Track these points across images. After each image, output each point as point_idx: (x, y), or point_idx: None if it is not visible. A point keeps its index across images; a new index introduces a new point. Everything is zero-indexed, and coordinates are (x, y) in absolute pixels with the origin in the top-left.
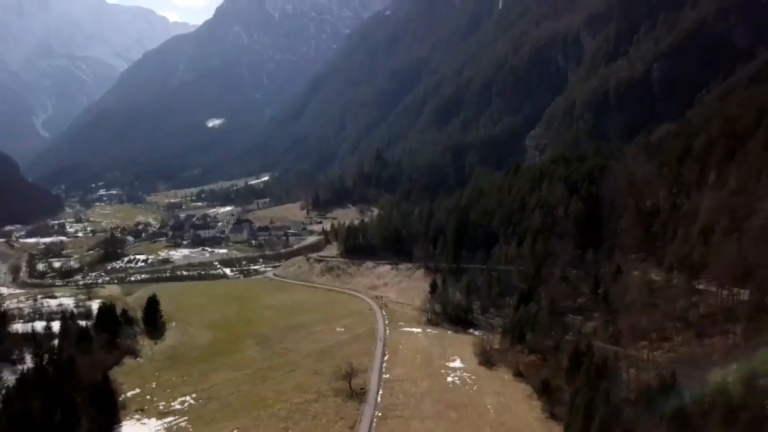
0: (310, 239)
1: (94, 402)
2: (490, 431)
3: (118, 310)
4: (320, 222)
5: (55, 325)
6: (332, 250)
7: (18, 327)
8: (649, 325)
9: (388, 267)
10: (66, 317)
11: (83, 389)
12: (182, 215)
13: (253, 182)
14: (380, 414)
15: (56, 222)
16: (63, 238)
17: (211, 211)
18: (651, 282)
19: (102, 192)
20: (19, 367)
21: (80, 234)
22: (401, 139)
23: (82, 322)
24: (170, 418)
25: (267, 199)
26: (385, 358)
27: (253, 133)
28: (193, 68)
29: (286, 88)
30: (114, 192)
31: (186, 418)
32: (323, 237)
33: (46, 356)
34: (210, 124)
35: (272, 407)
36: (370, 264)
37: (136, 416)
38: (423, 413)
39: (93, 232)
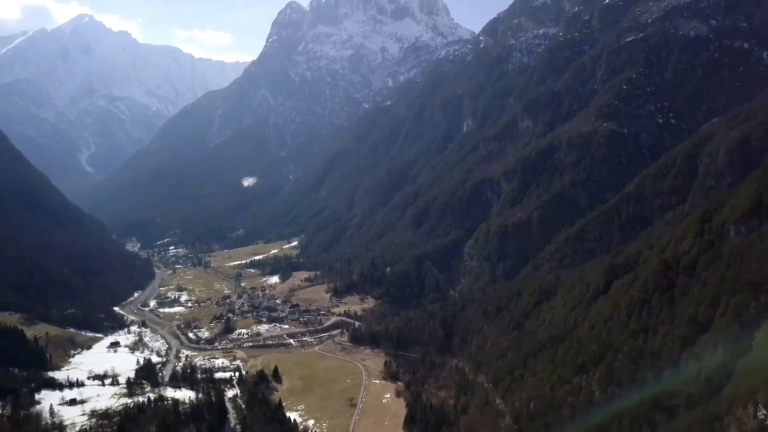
0: (333, 319)
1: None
2: (390, 415)
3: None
4: (338, 306)
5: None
6: (345, 336)
7: (217, 375)
8: (444, 383)
9: (369, 350)
10: (238, 370)
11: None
12: (245, 284)
13: (286, 247)
14: (360, 411)
15: (166, 288)
16: (182, 308)
17: (263, 279)
18: (451, 368)
19: (172, 250)
20: (227, 393)
21: (190, 304)
22: (391, 230)
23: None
24: (299, 412)
25: (303, 277)
26: (364, 392)
27: (283, 195)
28: (227, 126)
29: (306, 147)
30: (181, 250)
31: (304, 412)
32: (341, 320)
33: (243, 389)
34: (245, 183)
35: (328, 410)
36: (362, 348)
37: (288, 412)
38: (374, 411)
39: (197, 302)
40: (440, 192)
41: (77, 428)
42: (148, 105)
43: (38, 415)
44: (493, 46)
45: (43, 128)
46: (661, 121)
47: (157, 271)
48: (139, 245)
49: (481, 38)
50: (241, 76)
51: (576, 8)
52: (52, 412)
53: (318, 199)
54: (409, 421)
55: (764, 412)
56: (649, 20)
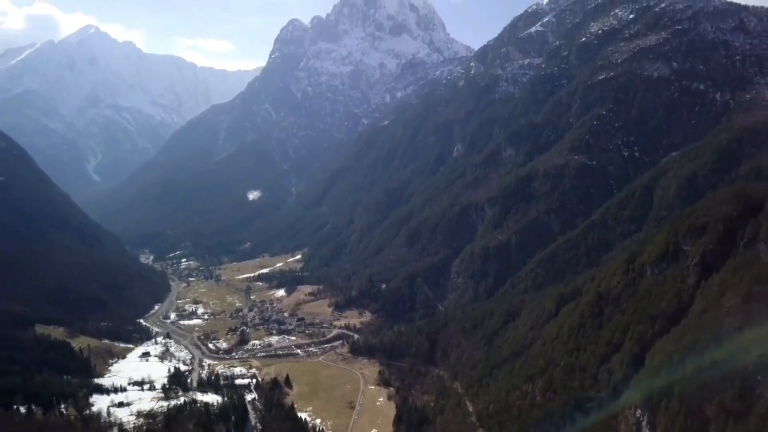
0: (334, 332)
1: (291, 408)
2: (383, 416)
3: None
4: (339, 319)
5: (242, 380)
6: (345, 347)
7: (237, 381)
8: (427, 389)
9: (366, 360)
10: (255, 377)
11: (285, 405)
12: (254, 297)
13: (290, 261)
14: (358, 412)
15: (183, 301)
16: (200, 321)
17: (271, 292)
18: (434, 376)
19: (184, 262)
20: (247, 397)
21: (206, 317)
22: (387, 247)
23: (260, 379)
24: (308, 413)
25: (308, 291)
26: (361, 397)
27: (287, 208)
28: (232, 140)
29: (307, 161)
30: (192, 263)
31: (312, 413)
32: (342, 332)
33: (260, 394)
34: (250, 196)
35: (332, 411)
36: (360, 358)
37: (299, 413)
38: (369, 412)
39: (213, 314)
40: (432, 213)
41: (131, 425)
42: (152, 115)
43: (98, 415)
44: (482, 75)
45: (52, 138)
46: (626, 154)
47: (172, 284)
48: (152, 257)
49: (472, 64)
50: (245, 91)
51: (557, 42)
52: (108, 413)
53: (319, 214)
54: (398, 420)
55: (639, 411)
56: (619, 60)
